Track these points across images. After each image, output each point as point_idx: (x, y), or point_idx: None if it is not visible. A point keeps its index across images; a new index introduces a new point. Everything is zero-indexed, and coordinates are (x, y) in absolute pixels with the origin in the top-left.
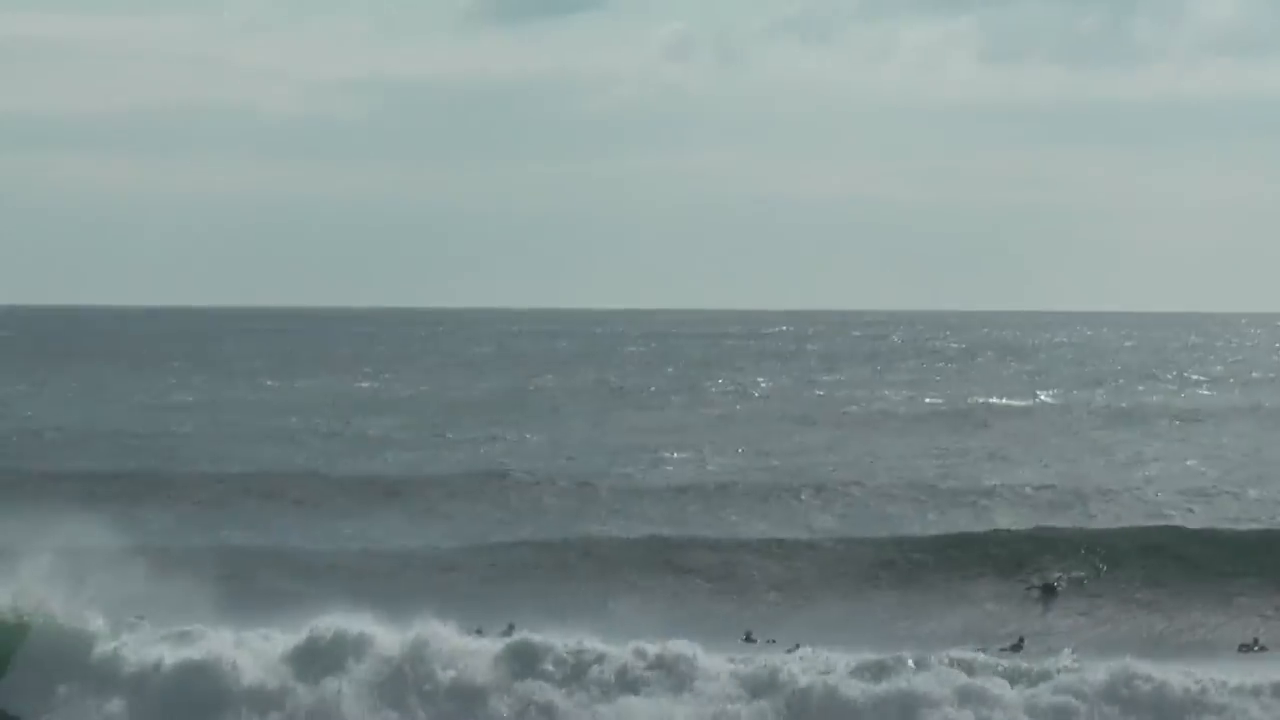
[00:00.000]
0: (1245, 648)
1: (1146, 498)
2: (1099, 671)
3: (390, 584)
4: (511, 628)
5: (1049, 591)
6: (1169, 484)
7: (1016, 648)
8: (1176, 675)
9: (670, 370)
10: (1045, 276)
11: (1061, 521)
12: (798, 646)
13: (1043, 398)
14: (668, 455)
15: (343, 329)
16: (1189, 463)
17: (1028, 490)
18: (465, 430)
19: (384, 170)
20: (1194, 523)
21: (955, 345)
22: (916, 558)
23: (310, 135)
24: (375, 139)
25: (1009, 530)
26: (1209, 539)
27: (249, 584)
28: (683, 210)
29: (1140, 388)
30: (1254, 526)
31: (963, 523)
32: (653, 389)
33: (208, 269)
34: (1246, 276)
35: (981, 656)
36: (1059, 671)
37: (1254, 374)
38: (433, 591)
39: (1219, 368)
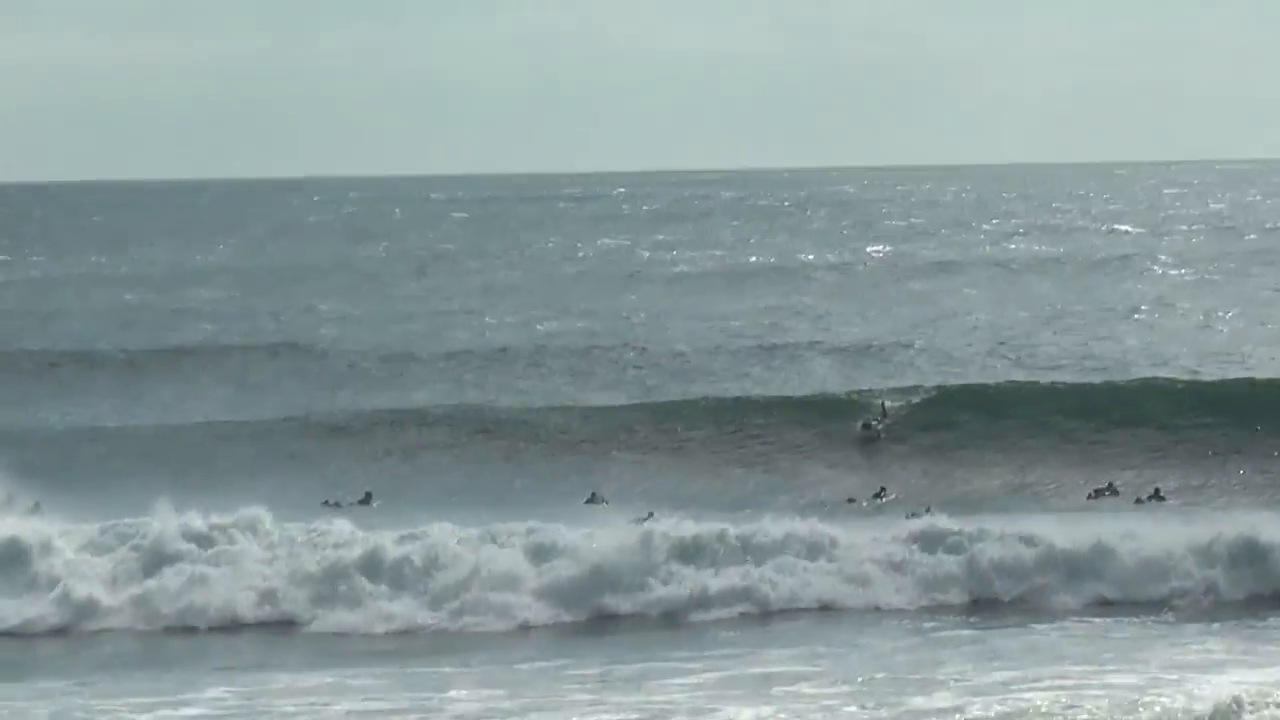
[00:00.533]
0: (1099, 493)
1: (963, 350)
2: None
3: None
4: (369, 495)
5: (870, 435)
6: (988, 334)
7: (878, 496)
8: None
9: (500, 235)
10: (893, 131)
11: (886, 377)
12: (650, 515)
13: (869, 251)
14: (488, 320)
15: (185, 200)
16: (1004, 312)
17: (847, 345)
18: (286, 300)
19: (218, 41)
20: (1018, 374)
21: (789, 203)
22: (745, 419)
23: (139, 6)
24: (203, 8)
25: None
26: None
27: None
28: (525, 72)
29: (960, 239)
30: (1073, 378)
31: (790, 382)
32: (477, 254)
33: (41, 143)
34: (1086, 126)
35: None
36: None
37: (1079, 223)
38: (255, 461)
39: (1046, 219)
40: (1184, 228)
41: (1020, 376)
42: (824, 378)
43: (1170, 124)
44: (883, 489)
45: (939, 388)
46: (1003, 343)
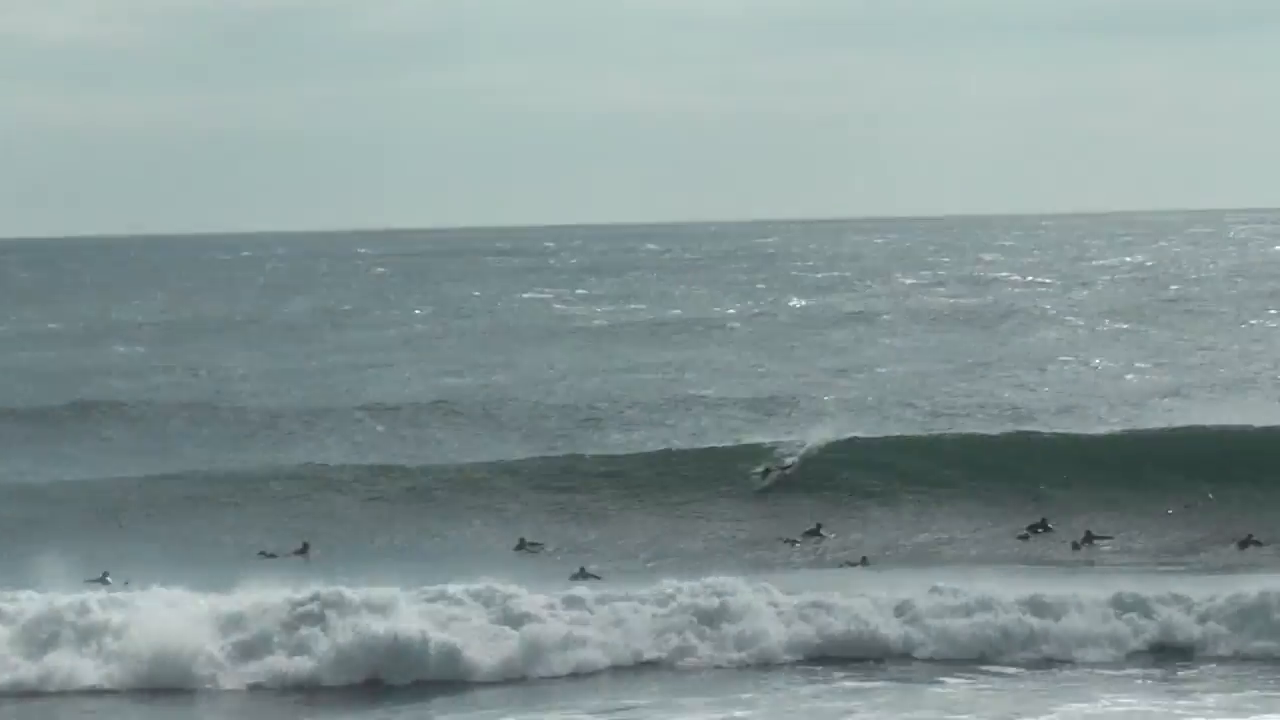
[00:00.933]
0: (1033, 527)
1: (874, 400)
2: None
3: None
4: (306, 546)
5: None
6: (900, 385)
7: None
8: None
9: (421, 289)
10: (821, 184)
11: (789, 430)
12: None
13: (787, 304)
14: (405, 375)
15: (114, 255)
16: (918, 364)
17: (756, 397)
18: (187, 357)
19: (163, 96)
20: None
21: (712, 256)
22: (655, 469)
23: (84, 62)
24: (152, 65)
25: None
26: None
27: None
28: (466, 127)
29: (882, 290)
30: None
31: (707, 433)
32: (396, 308)
33: None
34: (1024, 177)
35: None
36: None
37: (1001, 274)
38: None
39: (969, 270)
40: (1106, 278)
41: (930, 426)
42: (735, 429)
43: (1100, 176)
44: (819, 527)
45: (849, 439)
46: (912, 392)
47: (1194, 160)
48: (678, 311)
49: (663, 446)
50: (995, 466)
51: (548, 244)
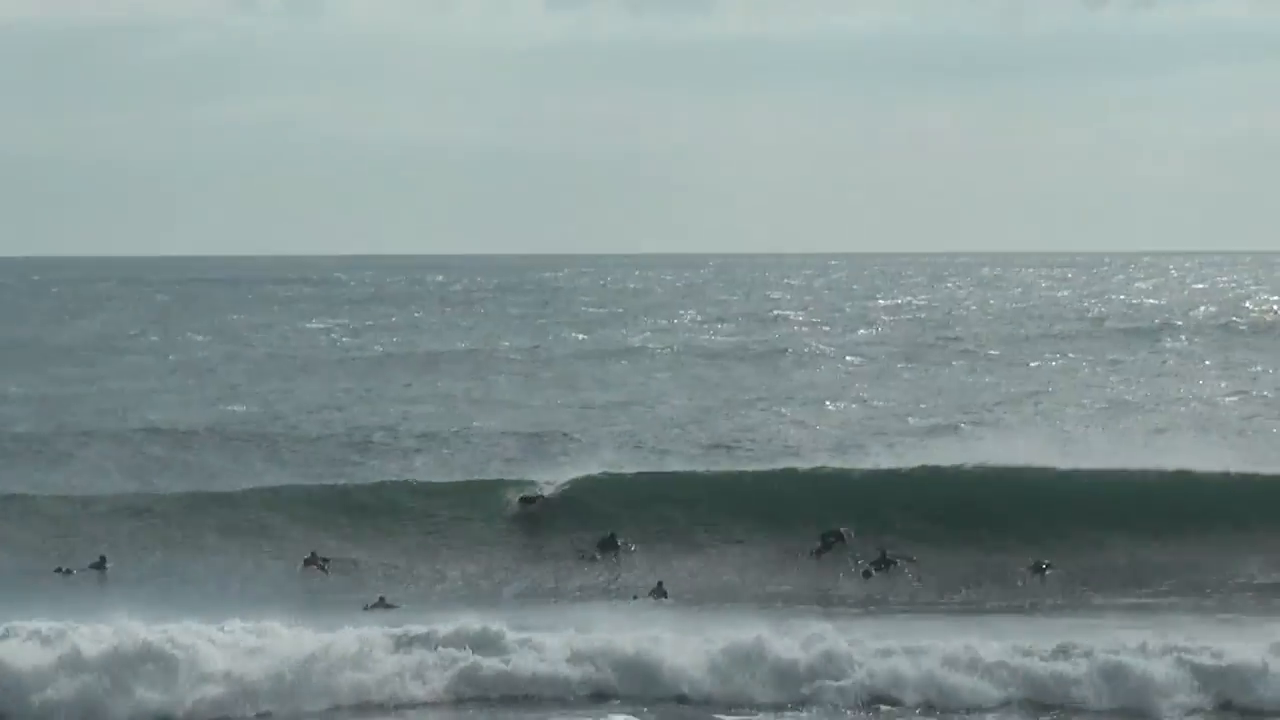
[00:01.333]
0: (826, 537)
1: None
2: None
3: None
4: (103, 559)
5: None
6: (666, 420)
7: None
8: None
9: (201, 317)
10: (621, 220)
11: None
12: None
13: (565, 337)
14: (151, 398)
15: None
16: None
17: (513, 432)
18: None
19: None
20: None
21: (494, 288)
22: (413, 502)
23: None
24: None
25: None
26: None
27: None
28: (262, 156)
29: (660, 326)
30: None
31: (468, 465)
32: (174, 334)
33: None
34: (816, 217)
35: None
36: None
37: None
38: None
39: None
40: (890, 318)
41: (702, 461)
42: (508, 460)
43: (894, 218)
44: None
45: (602, 474)
46: (686, 427)
47: (987, 203)
48: (461, 344)
49: (422, 478)
50: (774, 496)
51: (338, 274)
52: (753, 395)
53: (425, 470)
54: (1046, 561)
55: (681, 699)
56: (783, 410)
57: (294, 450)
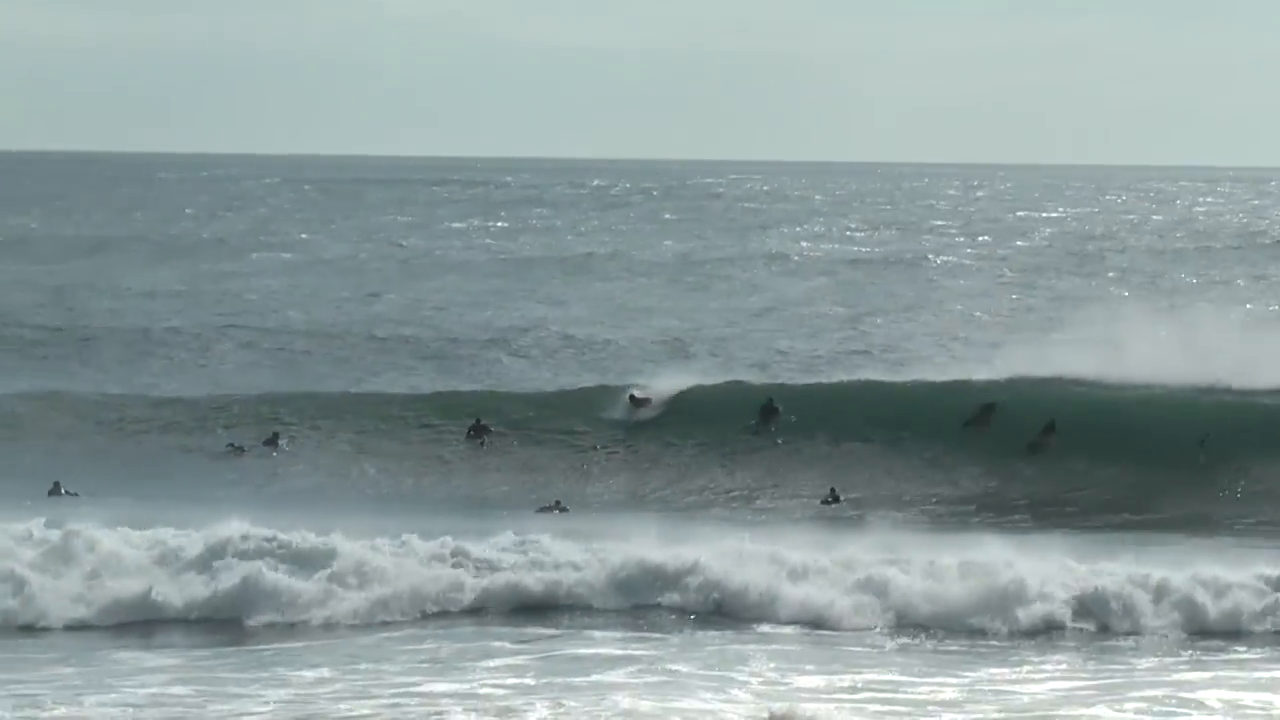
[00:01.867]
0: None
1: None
2: None
3: None
4: (275, 436)
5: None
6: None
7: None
8: None
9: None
10: (789, 126)
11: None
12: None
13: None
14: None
15: (94, 170)
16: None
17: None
18: (113, 273)
19: (148, 14)
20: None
21: (655, 193)
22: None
23: None
24: None
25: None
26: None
27: None
28: (420, 57)
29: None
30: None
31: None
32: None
33: None
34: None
35: None
36: None
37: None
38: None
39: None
40: (1047, 230)
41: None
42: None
43: (1052, 129)
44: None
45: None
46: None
47: (1147, 115)
48: (612, 248)
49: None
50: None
51: (506, 178)
52: (896, 304)
53: (567, 373)
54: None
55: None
56: (921, 319)
57: (437, 350)
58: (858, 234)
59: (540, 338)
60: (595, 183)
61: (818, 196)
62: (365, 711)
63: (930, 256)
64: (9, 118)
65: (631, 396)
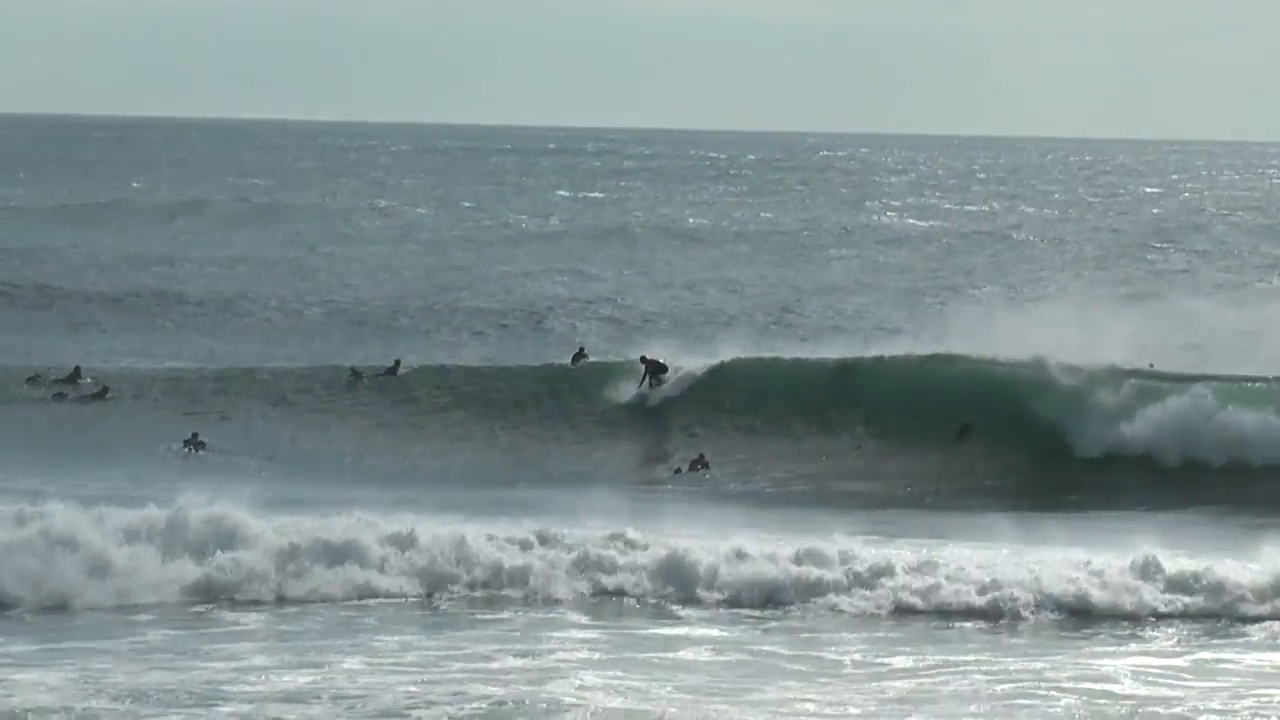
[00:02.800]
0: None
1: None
2: None
3: None
4: (398, 364)
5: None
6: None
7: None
8: None
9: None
10: (934, 99)
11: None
12: None
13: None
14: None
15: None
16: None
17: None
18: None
19: None
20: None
21: (786, 166)
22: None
23: None
24: None
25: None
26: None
27: None
28: (571, 27)
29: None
30: None
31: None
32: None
33: None
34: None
35: None
36: None
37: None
38: None
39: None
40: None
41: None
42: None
43: (1206, 105)
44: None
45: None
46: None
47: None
48: (703, 220)
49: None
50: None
51: (635, 148)
52: (970, 279)
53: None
54: None
55: None
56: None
57: (488, 324)
58: (952, 208)
59: (624, 306)
60: (710, 154)
61: (922, 167)
62: None
63: (1017, 234)
64: (149, 84)
65: (643, 359)
